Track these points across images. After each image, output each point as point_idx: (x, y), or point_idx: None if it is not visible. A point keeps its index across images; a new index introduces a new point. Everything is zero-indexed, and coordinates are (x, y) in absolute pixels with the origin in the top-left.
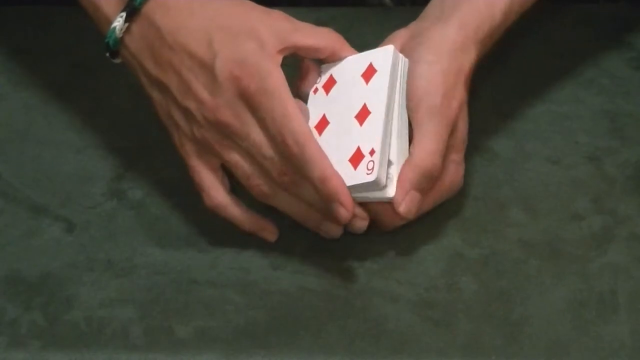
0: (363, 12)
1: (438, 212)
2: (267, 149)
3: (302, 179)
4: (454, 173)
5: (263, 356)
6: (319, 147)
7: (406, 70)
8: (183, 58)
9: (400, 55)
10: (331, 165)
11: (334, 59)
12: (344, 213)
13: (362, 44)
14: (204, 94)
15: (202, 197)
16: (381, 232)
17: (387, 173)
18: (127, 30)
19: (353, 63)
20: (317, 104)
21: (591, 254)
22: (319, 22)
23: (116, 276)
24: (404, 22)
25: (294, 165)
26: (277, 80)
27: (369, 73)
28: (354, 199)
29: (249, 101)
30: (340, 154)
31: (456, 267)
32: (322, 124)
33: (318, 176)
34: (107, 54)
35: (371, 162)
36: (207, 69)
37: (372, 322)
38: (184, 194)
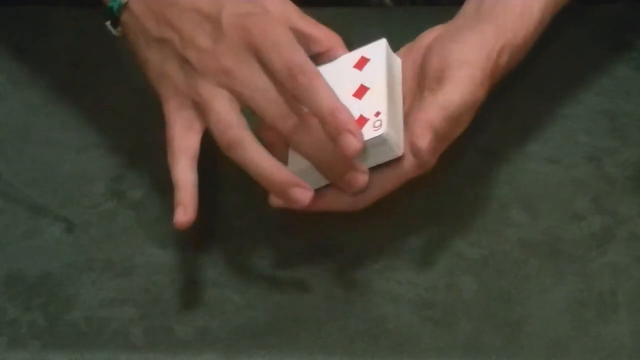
0: (363, 12)
1: (438, 212)
2: (273, 92)
3: (305, 123)
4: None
5: (263, 356)
6: (326, 81)
7: (400, 68)
8: (188, 13)
9: (392, 53)
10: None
11: (329, 55)
12: (354, 143)
13: (362, 44)
14: (206, 42)
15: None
16: (381, 232)
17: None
18: None
19: (342, 60)
20: None
21: (591, 254)
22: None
23: (116, 276)
24: (404, 22)
25: (304, 98)
26: (283, 28)
27: (362, 63)
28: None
29: (254, 45)
30: None
31: (456, 267)
32: None
33: (328, 106)
34: (108, 23)
35: (378, 121)
36: (212, 19)
37: (372, 322)
38: None
